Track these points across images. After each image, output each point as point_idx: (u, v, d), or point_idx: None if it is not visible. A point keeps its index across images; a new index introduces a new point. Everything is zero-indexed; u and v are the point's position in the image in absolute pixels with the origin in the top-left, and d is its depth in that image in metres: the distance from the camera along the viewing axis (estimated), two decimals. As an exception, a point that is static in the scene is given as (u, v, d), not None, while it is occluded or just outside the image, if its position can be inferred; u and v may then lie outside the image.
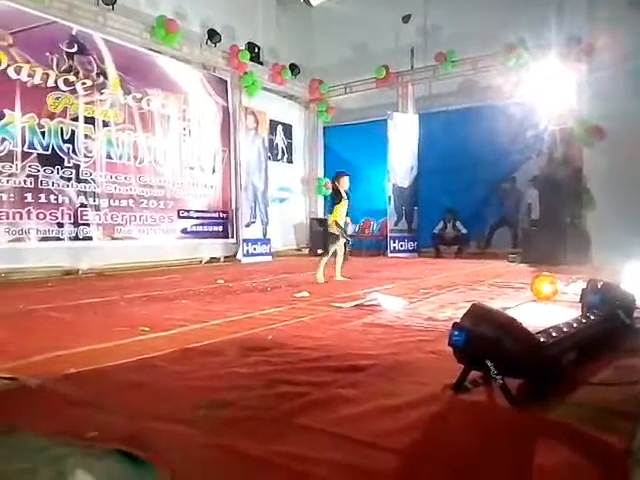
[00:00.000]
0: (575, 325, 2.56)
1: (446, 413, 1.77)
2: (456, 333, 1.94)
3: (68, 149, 7.56)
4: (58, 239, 7.41)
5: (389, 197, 11.17)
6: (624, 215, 8.05)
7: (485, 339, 1.91)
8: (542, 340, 2.13)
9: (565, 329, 2.43)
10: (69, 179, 7.57)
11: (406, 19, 11.60)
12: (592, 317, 2.74)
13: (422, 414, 1.73)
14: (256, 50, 10.91)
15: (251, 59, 10.45)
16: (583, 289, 3.21)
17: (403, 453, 1.43)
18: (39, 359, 2.54)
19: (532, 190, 10.07)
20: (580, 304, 3.14)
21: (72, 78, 7.62)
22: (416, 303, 4.35)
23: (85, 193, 7.77)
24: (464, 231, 10.97)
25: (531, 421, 1.66)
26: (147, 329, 3.28)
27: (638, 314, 3.20)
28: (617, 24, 8.06)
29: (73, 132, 7.62)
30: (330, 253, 6.13)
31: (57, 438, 1.55)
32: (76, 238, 7.62)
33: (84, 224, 7.74)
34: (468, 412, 1.80)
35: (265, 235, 10.33)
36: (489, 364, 1.85)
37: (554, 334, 2.29)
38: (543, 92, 9.62)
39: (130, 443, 1.47)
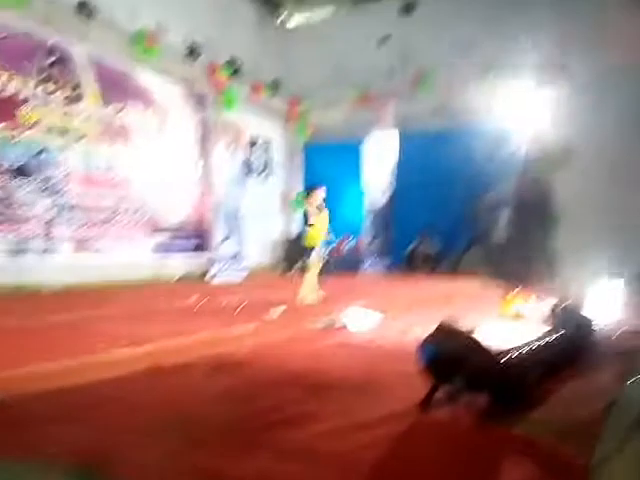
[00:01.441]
0: (539, 344, 2.63)
1: (413, 429, 1.80)
2: (424, 350, 1.97)
3: (40, 161, 7.44)
4: (26, 253, 7.23)
5: (365, 215, 11.29)
6: (592, 236, 8.33)
7: (452, 356, 1.95)
8: (507, 358, 2.19)
9: (529, 348, 2.50)
10: (41, 192, 7.43)
11: (382, 41, 11.85)
12: (555, 337, 2.82)
13: (390, 430, 1.75)
14: (236, 65, 10.98)
15: (231, 74, 10.51)
16: (549, 310, 3.31)
17: (370, 467, 1.45)
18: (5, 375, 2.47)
19: (503, 209, 10.32)
20: (546, 323, 3.23)
21: (49, 88, 7.53)
22: (388, 322, 4.38)
23: (57, 206, 7.63)
24: (437, 250, 11.14)
25: (495, 437, 1.70)
26: (109, 348, 3.20)
27: (596, 336, 3.30)
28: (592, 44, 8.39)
29: (46, 144, 7.51)
30: (310, 271, 6.04)
31: (14, 456, 1.51)
32: (45, 252, 7.46)
33: (54, 238, 7.58)
34: (434, 428, 1.83)
35: (239, 252, 10.28)
36: (456, 380, 1.89)
37: (518, 353, 2.35)
38: (516, 114, 9.96)
39: (91, 459, 1.45)
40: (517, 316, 4.49)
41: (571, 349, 2.82)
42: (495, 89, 10.04)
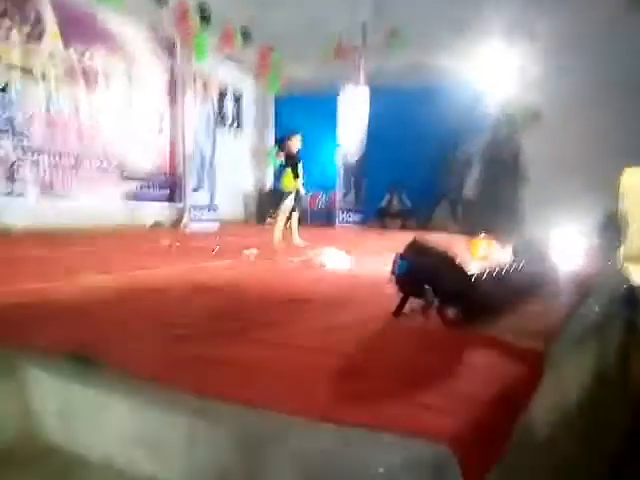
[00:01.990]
0: (504, 270, 2.78)
1: (384, 330, 1.90)
2: (399, 262, 2.06)
3: (3, 99, 7.12)
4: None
5: (338, 170, 11.30)
6: (556, 194, 8.59)
7: (425, 267, 2.04)
8: (475, 276, 2.31)
9: (495, 272, 2.64)
10: (4, 132, 7.14)
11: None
12: (518, 265, 2.98)
13: (362, 331, 1.85)
14: (206, 12, 10.58)
15: (201, 20, 10.13)
16: (516, 244, 3.46)
17: (343, 355, 1.54)
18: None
19: (473, 167, 10.52)
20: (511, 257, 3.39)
21: (7, 23, 7.14)
22: (360, 260, 4.50)
23: (22, 147, 7.37)
24: (409, 205, 11.32)
25: (462, 337, 1.81)
26: (90, 273, 3.23)
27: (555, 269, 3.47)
28: (561, 9, 8.45)
29: (7, 82, 7.17)
30: (282, 214, 6.05)
31: (5, 344, 1.55)
32: (10, 194, 7.24)
33: (19, 180, 7.35)
34: (403, 330, 1.94)
35: (212, 202, 10.20)
36: (427, 289, 1.99)
37: (486, 275, 2.48)
38: (488, 75, 10.02)
39: (81, 349, 1.49)
40: (483, 258, 4.66)
41: (532, 277, 2.98)
42: (467, 50, 10.04)
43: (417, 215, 11.31)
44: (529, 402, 1.29)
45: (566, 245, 5.08)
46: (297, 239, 6.16)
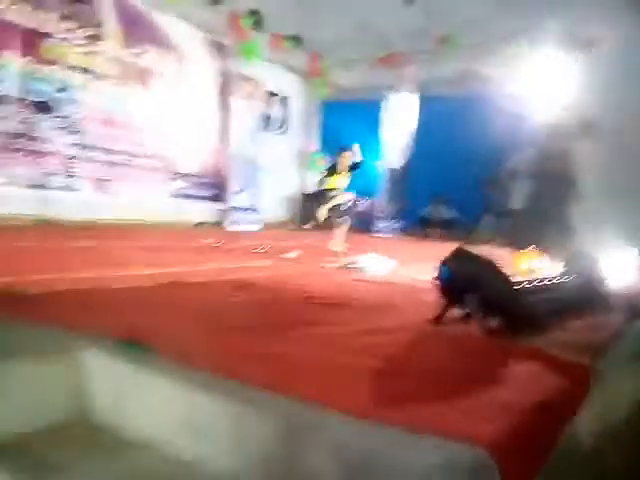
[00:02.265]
0: (552, 282, 2.71)
1: (425, 336, 1.90)
2: (443, 269, 2.06)
3: (62, 98, 7.48)
4: (47, 188, 7.36)
5: (380, 177, 11.28)
6: (608, 209, 8.27)
7: (468, 276, 2.03)
8: (521, 286, 2.27)
9: (543, 283, 2.58)
10: (61, 129, 7.50)
11: (410, 0, 11.55)
12: (568, 279, 2.90)
13: (402, 336, 1.85)
14: (258, 17, 10.80)
15: (252, 26, 10.36)
16: (567, 259, 3.37)
17: (382, 357, 1.55)
18: (35, 278, 2.60)
19: (522, 179, 10.26)
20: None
21: (70, 26, 7.51)
22: (400, 268, 4.48)
23: (77, 145, 7.71)
24: (451, 215, 11.16)
25: (503, 346, 1.79)
26: (139, 266, 3.35)
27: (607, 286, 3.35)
28: (618, 16, 8.17)
29: (67, 82, 7.53)
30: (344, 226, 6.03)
31: (62, 328, 1.64)
32: (65, 189, 7.59)
33: (74, 176, 7.70)
34: (445, 337, 1.93)
35: (254, 204, 10.37)
36: (470, 298, 1.97)
37: (533, 285, 2.43)
38: (540, 84, 9.76)
39: (132, 335, 1.56)
40: (530, 271, 4.55)
41: (582, 292, 2.90)
42: (520, 57, 9.84)
43: (460, 226, 11.13)
44: (574, 415, 1.27)
45: (617, 261, 4.89)
46: (340, 245, 6.12)
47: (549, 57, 9.54)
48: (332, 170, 6.11)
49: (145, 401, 1.33)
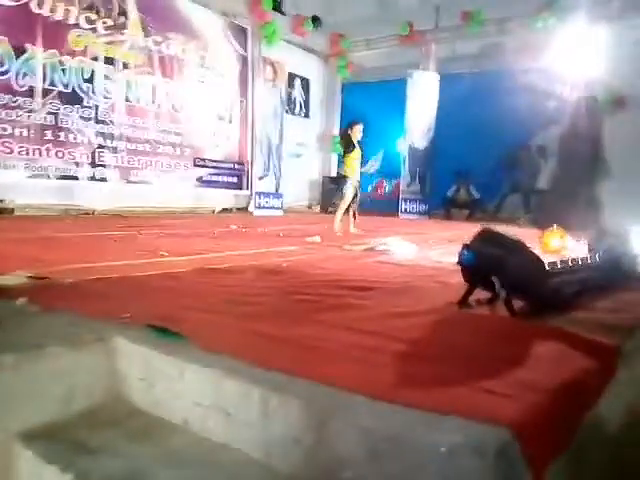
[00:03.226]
0: (581, 263, 2.67)
1: (449, 319, 1.90)
2: (465, 252, 2.05)
3: (88, 89, 7.61)
4: (75, 178, 7.55)
5: (404, 158, 11.16)
6: (637, 184, 8.02)
7: (492, 258, 2.01)
8: (548, 268, 2.24)
9: (571, 264, 2.54)
10: (88, 119, 7.64)
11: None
12: (596, 259, 2.85)
13: (426, 319, 1.86)
14: (278, -1, 10.72)
15: (273, 8, 10.28)
16: (593, 237, 3.31)
17: (406, 341, 1.56)
18: (69, 267, 2.70)
19: (548, 157, 10.02)
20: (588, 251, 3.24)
21: (93, 16, 7.59)
22: (425, 250, 4.46)
23: (103, 134, 7.85)
24: (476, 196, 11.00)
25: (529, 327, 1.78)
26: (166, 254, 3.43)
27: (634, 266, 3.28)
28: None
29: (93, 72, 7.64)
30: (345, 199, 6.12)
31: (95, 316, 1.70)
32: (93, 178, 7.76)
33: (101, 165, 7.86)
34: (469, 319, 1.93)
35: (277, 189, 10.41)
36: (494, 280, 1.97)
37: (560, 266, 2.40)
38: (569, 57, 9.44)
39: (163, 322, 1.62)
40: (556, 251, 4.48)
41: (610, 271, 2.84)
42: (548, 30, 9.52)
43: (486, 206, 10.97)
44: (599, 396, 1.26)
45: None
46: (353, 228, 6.19)
47: (578, 29, 9.21)
48: (348, 144, 6.18)
49: (176, 385, 1.38)
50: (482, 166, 10.64)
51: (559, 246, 4.49)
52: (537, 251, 4.48)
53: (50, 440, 1.26)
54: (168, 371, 1.42)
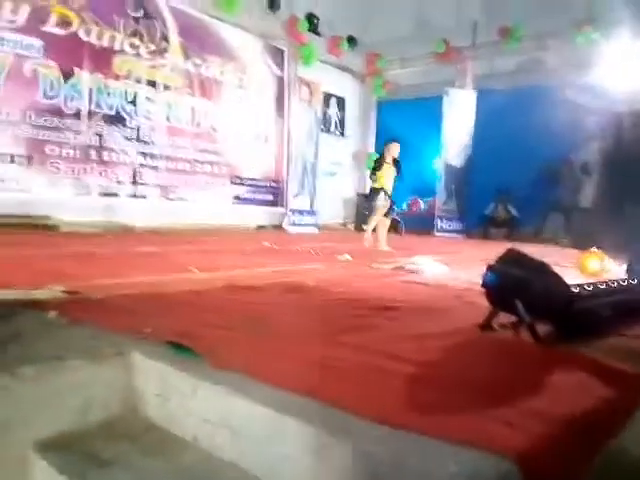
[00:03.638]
0: (614, 286, 2.56)
1: (470, 342, 1.86)
2: (488, 274, 2.00)
3: (131, 110, 7.93)
4: (117, 195, 7.84)
5: (440, 175, 11.06)
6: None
7: (516, 280, 1.96)
8: (577, 291, 2.17)
9: (603, 287, 2.44)
10: (130, 139, 7.96)
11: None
12: (630, 283, 2.72)
13: (447, 342, 1.83)
14: (314, 21, 10.93)
15: (309, 30, 10.49)
16: (634, 259, 3.18)
17: (422, 363, 1.54)
18: (101, 283, 2.80)
19: (592, 174, 9.71)
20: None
21: (137, 42, 7.94)
22: (456, 271, 4.38)
23: (144, 154, 8.15)
24: (515, 214, 10.73)
25: (550, 353, 1.72)
26: (196, 270, 3.50)
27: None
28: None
29: (136, 94, 7.98)
30: (377, 212, 6.12)
31: (117, 331, 1.75)
32: (134, 196, 8.04)
33: (142, 183, 8.14)
34: (490, 343, 1.88)
35: (312, 207, 10.49)
36: (518, 304, 1.91)
37: (590, 288, 2.31)
38: (612, 72, 9.19)
39: (181, 337, 1.65)
40: (595, 273, 4.32)
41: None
42: (589, 45, 9.32)
43: (525, 225, 10.67)
44: (620, 428, 1.20)
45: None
46: (384, 246, 6.14)
47: (622, 44, 8.97)
48: (380, 162, 6.20)
49: (189, 402, 1.40)
50: (521, 183, 10.39)
51: (598, 269, 4.32)
52: (573, 274, 4.36)
53: (64, 451, 1.30)
54: (182, 387, 1.44)
